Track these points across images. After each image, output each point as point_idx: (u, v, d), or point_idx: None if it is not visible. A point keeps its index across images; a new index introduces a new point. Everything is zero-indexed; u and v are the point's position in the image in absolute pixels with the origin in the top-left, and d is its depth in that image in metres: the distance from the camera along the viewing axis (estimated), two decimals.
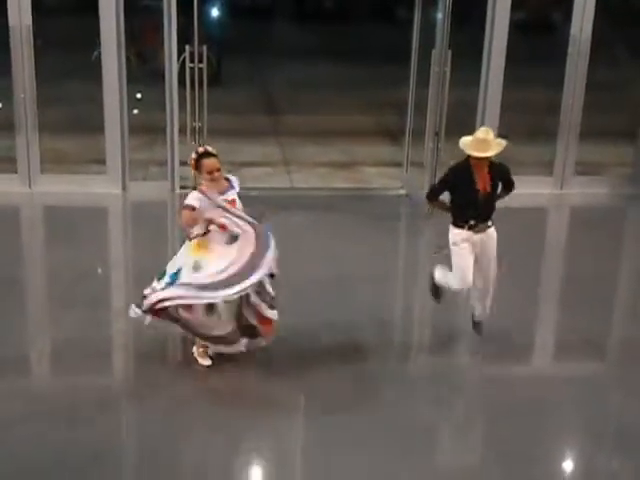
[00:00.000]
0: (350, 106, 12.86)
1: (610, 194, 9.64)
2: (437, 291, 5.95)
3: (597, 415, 5.28)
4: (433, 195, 5.78)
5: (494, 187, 5.62)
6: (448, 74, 8.40)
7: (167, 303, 5.27)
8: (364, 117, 12.48)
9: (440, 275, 5.87)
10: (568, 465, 4.99)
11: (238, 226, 5.20)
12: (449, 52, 8.33)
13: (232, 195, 5.36)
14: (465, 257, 5.62)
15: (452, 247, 5.67)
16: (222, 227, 5.22)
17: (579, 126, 9.53)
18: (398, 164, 10.07)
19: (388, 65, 11.61)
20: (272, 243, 5.22)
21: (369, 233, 8.18)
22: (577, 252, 8.01)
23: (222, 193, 5.31)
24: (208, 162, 5.28)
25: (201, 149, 5.40)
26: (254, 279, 5.15)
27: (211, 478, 4.66)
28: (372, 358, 5.79)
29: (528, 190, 8.64)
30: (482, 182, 5.55)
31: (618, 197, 9.62)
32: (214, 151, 5.34)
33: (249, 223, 5.22)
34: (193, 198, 5.26)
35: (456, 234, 5.64)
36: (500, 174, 5.65)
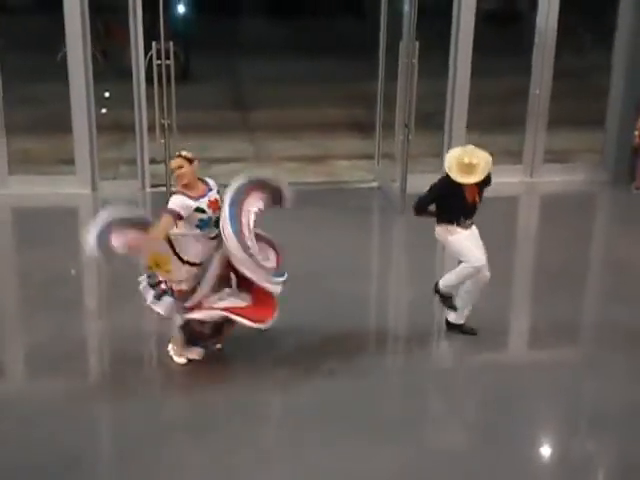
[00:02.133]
0: (320, 100, 12.84)
1: (580, 181, 9.73)
2: (449, 301, 5.89)
3: (573, 400, 5.33)
4: (421, 208, 5.74)
5: (481, 193, 5.66)
6: (416, 66, 8.41)
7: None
8: (334, 110, 12.46)
9: (444, 283, 5.83)
10: (546, 450, 5.05)
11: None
12: (416, 44, 8.33)
13: (214, 195, 5.29)
14: (468, 239, 5.64)
15: (455, 237, 5.66)
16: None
17: (547, 114, 9.60)
18: (369, 157, 10.08)
19: (357, 58, 11.62)
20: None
21: (342, 227, 8.19)
22: (549, 239, 8.08)
23: (202, 196, 5.26)
24: (173, 162, 5.30)
25: (177, 153, 5.39)
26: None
27: (189, 479, 4.65)
28: (348, 351, 5.79)
29: (498, 179, 8.64)
30: (471, 195, 5.58)
31: (588, 184, 9.70)
32: (188, 155, 5.29)
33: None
34: (179, 205, 5.16)
35: (448, 228, 5.66)
36: (485, 180, 5.63)
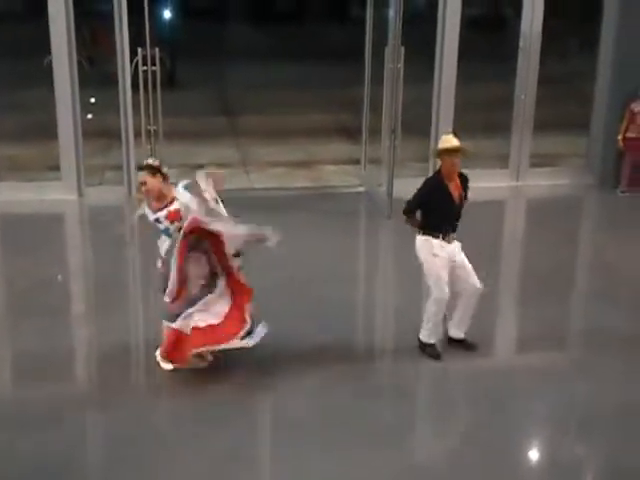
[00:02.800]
0: (306, 105, 12.87)
1: (566, 184, 9.77)
2: (433, 350, 5.84)
3: (563, 404, 5.34)
4: (410, 211, 5.74)
5: (463, 197, 5.70)
6: (402, 71, 8.43)
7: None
8: (321, 116, 12.49)
9: (423, 334, 5.81)
10: (537, 453, 5.05)
11: None
12: (402, 49, 8.36)
13: (174, 207, 5.29)
14: (444, 267, 5.64)
15: (431, 258, 5.66)
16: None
17: (533, 119, 9.64)
18: (356, 161, 10.10)
19: (343, 64, 11.65)
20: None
21: (329, 231, 8.19)
22: (536, 243, 8.10)
23: (163, 208, 5.29)
24: (139, 175, 5.40)
25: (144, 162, 5.42)
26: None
27: None
28: (338, 357, 5.78)
29: (485, 183, 8.74)
30: (456, 192, 5.63)
31: (574, 187, 9.75)
32: (155, 163, 5.33)
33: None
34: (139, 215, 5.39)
35: (435, 245, 5.65)
36: (464, 184, 5.71)
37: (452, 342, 5.93)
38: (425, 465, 4.79)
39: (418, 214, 5.76)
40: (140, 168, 5.35)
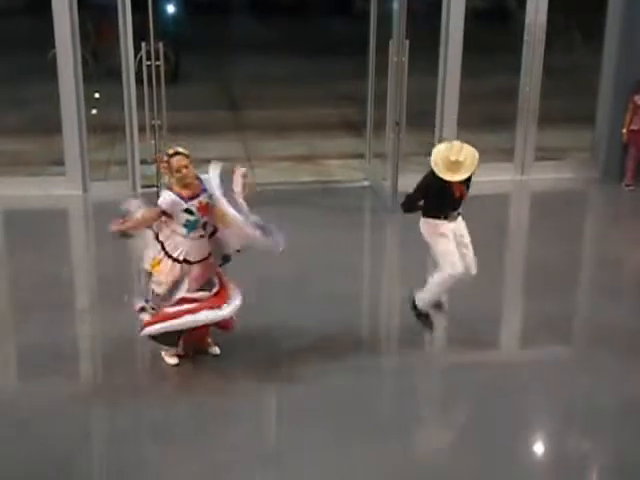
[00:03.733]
0: (311, 99, 12.85)
1: (570, 178, 9.75)
2: (426, 318, 5.87)
3: (566, 398, 5.34)
4: (409, 205, 5.68)
5: (467, 188, 5.61)
6: (406, 64, 8.41)
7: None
8: (325, 110, 12.47)
9: (421, 302, 5.81)
10: (540, 448, 5.05)
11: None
12: (406, 42, 8.33)
13: (205, 199, 5.24)
14: (451, 243, 5.59)
15: (437, 238, 5.62)
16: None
17: (537, 112, 9.61)
18: (360, 156, 10.08)
19: (347, 57, 11.62)
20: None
21: (333, 226, 8.18)
22: (540, 237, 8.09)
23: (194, 197, 5.23)
24: (175, 160, 5.21)
25: (171, 150, 5.30)
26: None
27: None
28: (341, 351, 5.78)
29: (490, 177, 8.72)
30: (458, 190, 5.53)
31: (578, 181, 9.72)
32: (185, 151, 5.25)
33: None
34: (168, 202, 5.18)
35: (439, 224, 5.59)
36: (467, 180, 5.60)
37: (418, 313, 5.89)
38: (427, 459, 4.79)
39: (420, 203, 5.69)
40: (173, 154, 5.21)
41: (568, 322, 6.44)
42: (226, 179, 5.34)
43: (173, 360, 5.54)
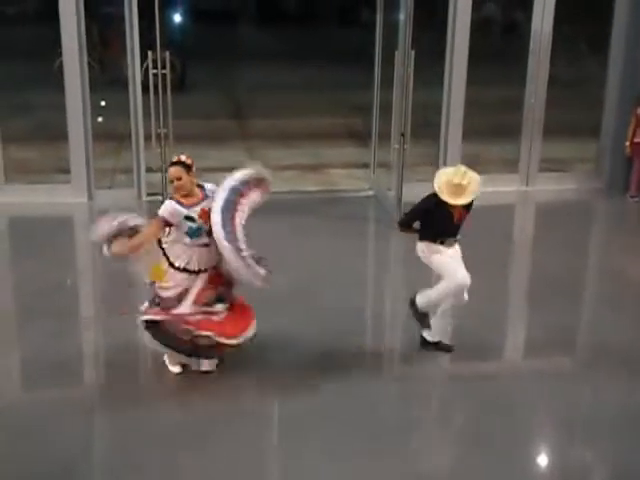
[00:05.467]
0: (316, 109, 12.87)
1: (575, 189, 9.75)
2: (423, 319, 5.88)
3: (568, 410, 5.33)
4: (406, 224, 5.68)
5: (468, 212, 5.59)
6: (412, 75, 8.43)
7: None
8: (330, 119, 12.50)
9: (422, 300, 5.81)
10: (542, 460, 5.03)
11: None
12: (412, 53, 8.36)
13: (208, 205, 5.22)
14: (449, 258, 5.59)
15: (436, 256, 5.62)
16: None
17: (542, 123, 9.62)
18: (365, 165, 10.10)
19: (353, 67, 11.65)
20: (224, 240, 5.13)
21: (338, 235, 8.19)
22: (544, 248, 8.08)
23: (195, 204, 5.24)
24: (170, 170, 5.23)
25: (175, 158, 5.31)
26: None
27: None
28: (347, 363, 5.77)
29: (494, 188, 8.72)
30: (458, 214, 5.51)
31: (583, 192, 9.72)
32: (187, 160, 5.24)
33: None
34: (168, 211, 5.18)
35: (430, 246, 5.60)
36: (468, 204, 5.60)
37: (426, 344, 5.88)
38: (429, 471, 4.78)
39: (416, 224, 5.69)
40: (172, 163, 5.24)
41: (571, 333, 6.42)
42: (241, 186, 5.29)
43: (176, 369, 5.55)
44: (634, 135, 9.32)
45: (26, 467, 4.64)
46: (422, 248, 5.68)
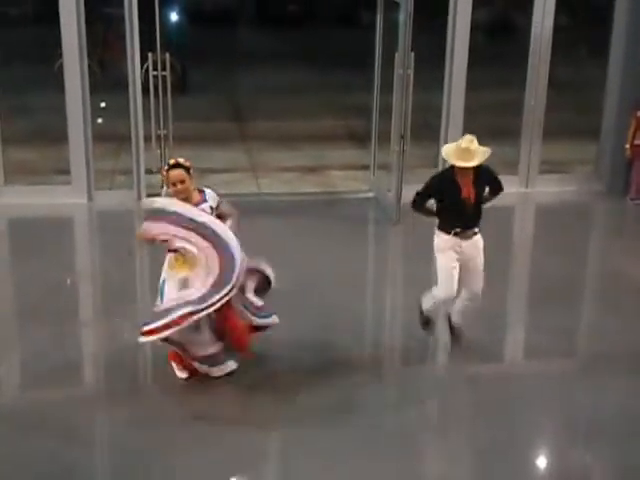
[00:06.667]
0: (316, 110, 12.88)
1: (575, 191, 9.75)
2: (427, 322, 5.89)
3: (569, 412, 5.33)
4: (417, 204, 5.64)
5: (479, 193, 5.53)
6: (412, 77, 8.43)
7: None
8: (330, 121, 12.50)
9: (427, 302, 5.82)
10: (544, 461, 5.03)
11: (191, 244, 5.10)
12: (412, 55, 8.36)
13: (207, 208, 5.23)
14: (449, 265, 5.55)
15: (437, 254, 5.61)
16: (167, 244, 5.19)
17: (542, 125, 9.62)
18: (365, 167, 10.10)
19: (353, 69, 11.65)
20: (237, 254, 5.14)
21: (338, 237, 8.19)
22: (544, 250, 8.08)
23: (195, 206, 5.22)
24: (172, 174, 5.20)
25: (172, 160, 5.29)
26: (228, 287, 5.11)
27: None
28: (347, 365, 5.77)
29: None
30: (467, 190, 5.44)
31: (583, 194, 9.73)
32: (186, 163, 5.23)
33: (207, 238, 5.11)
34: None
35: (443, 240, 5.55)
36: (486, 178, 5.56)
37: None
38: (429, 472, 4.78)
39: (432, 205, 5.64)
40: (172, 166, 5.22)
41: (571, 335, 6.43)
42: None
43: (183, 374, 5.52)
44: (634, 137, 9.31)
45: (26, 467, 4.64)
46: (436, 239, 5.64)
